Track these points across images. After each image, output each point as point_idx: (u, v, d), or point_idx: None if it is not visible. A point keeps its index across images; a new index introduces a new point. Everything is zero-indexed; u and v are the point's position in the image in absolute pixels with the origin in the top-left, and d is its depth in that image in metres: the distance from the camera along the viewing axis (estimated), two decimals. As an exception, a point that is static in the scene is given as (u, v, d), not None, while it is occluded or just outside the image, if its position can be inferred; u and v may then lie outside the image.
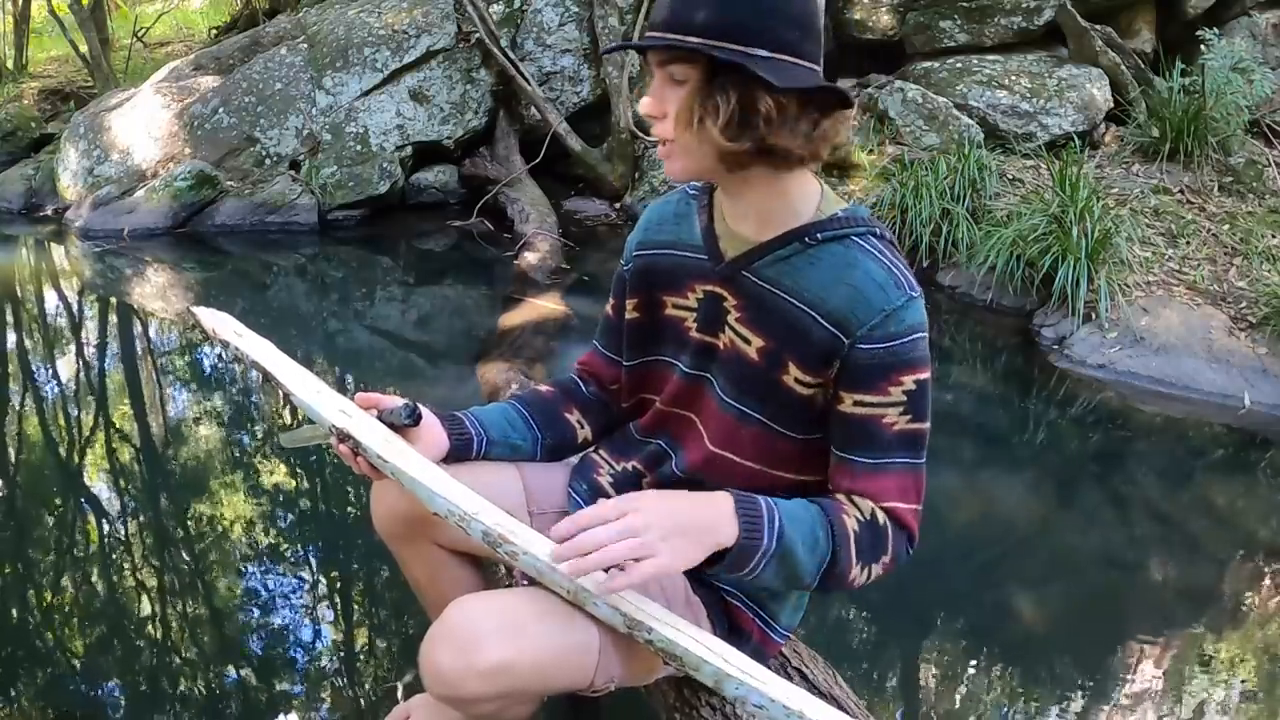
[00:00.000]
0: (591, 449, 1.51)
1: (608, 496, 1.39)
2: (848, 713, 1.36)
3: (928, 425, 1.20)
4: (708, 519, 1.11)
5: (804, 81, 1.10)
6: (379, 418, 1.28)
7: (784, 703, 1.03)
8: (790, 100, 1.09)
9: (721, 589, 1.31)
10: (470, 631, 1.13)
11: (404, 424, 1.28)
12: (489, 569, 1.57)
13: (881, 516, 1.19)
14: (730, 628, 1.32)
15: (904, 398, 1.17)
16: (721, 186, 1.26)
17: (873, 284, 1.15)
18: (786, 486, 1.30)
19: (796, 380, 1.21)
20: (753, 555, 1.11)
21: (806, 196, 1.21)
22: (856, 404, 1.18)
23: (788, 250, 1.20)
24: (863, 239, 1.19)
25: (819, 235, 1.19)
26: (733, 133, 1.10)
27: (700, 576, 1.25)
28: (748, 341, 1.24)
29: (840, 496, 1.21)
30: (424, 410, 1.31)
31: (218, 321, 1.45)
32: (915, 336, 1.16)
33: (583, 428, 1.47)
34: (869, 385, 1.16)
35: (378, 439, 1.24)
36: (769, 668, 1.41)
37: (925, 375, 1.18)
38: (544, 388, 1.50)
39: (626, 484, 1.40)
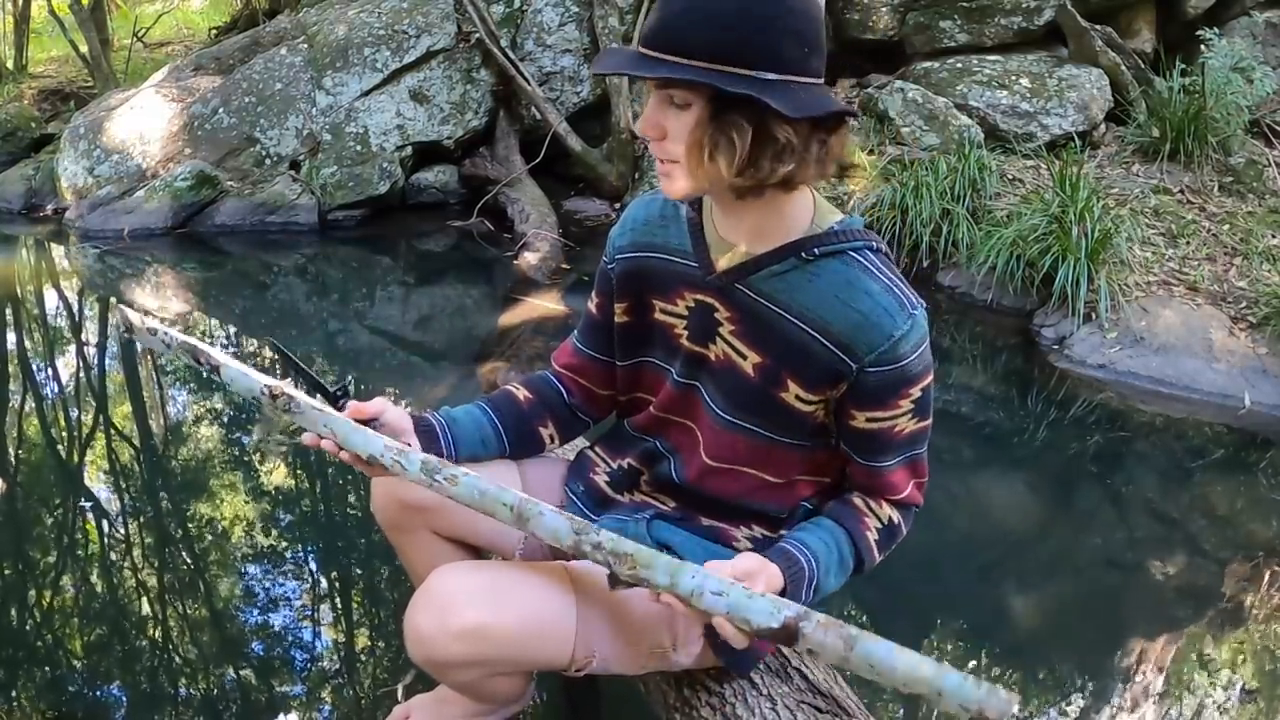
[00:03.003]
0: (586, 445, 1.51)
1: (604, 496, 1.41)
2: (848, 713, 1.36)
3: (930, 419, 1.25)
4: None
5: (816, 106, 1.04)
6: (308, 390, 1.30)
7: (744, 587, 1.04)
8: (803, 126, 1.05)
9: None
10: (448, 595, 1.18)
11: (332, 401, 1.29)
12: (485, 558, 1.57)
13: (896, 517, 1.28)
14: None
15: (912, 406, 1.20)
16: (717, 201, 1.21)
17: (879, 309, 1.13)
18: (783, 489, 1.31)
19: (797, 398, 1.21)
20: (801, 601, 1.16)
21: (801, 209, 1.19)
22: (869, 420, 1.20)
23: (784, 265, 1.18)
24: (860, 254, 1.17)
25: (816, 250, 1.16)
26: (744, 169, 1.06)
27: None
28: (743, 356, 1.22)
29: (859, 503, 1.27)
30: (354, 401, 1.30)
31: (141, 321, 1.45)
32: (921, 351, 1.17)
33: (553, 441, 1.46)
34: (880, 403, 1.19)
35: (310, 401, 1.26)
36: (764, 668, 1.41)
37: (929, 379, 1.21)
38: (521, 394, 1.44)
39: (623, 482, 1.41)
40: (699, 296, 1.25)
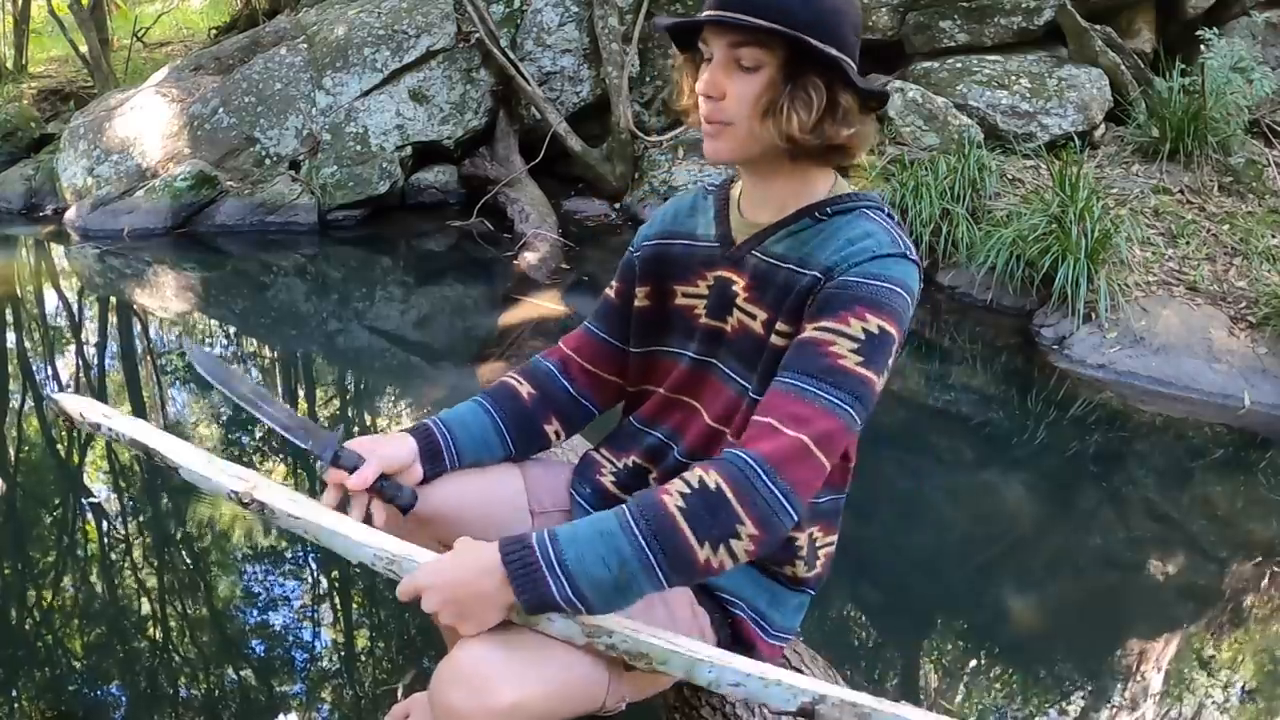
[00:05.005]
0: (591, 447, 1.51)
1: (611, 497, 1.39)
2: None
3: (874, 380, 1.13)
4: (483, 591, 1.08)
5: (871, 84, 1.14)
6: (380, 491, 1.26)
7: (760, 675, 1.08)
8: (858, 100, 1.16)
9: (723, 598, 1.30)
10: (481, 673, 1.10)
11: (404, 506, 1.26)
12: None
13: (715, 481, 1.08)
14: (734, 636, 1.31)
15: (861, 335, 1.12)
16: (751, 173, 1.27)
17: (867, 236, 1.18)
18: None
19: (778, 334, 1.20)
20: (550, 599, 1.07)
21: (823, 184, 1.25)
22: (815, 329, 1.14)
23: (798, 225, 1.23)
24: (871, 210, 1.22)
25: (829, 210, 1.22)
26: (813, 127, 1.14)
27: (703, 586, 1.27)
28: (753, 317, 1.25)
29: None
30: (413, 462, 1.30)
31: (83, 406, 1.34)
32: (894, 288, 1.14)
33: (559, 438, 1.45)
34: (831, 313, 1.13)
35: (283, 498, 1.20)
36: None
37: (893, 329, 1.13)
38: (525, 390, 1.42)
39: (630, 481, 1.39)
40: (718, 273, 1.29)
